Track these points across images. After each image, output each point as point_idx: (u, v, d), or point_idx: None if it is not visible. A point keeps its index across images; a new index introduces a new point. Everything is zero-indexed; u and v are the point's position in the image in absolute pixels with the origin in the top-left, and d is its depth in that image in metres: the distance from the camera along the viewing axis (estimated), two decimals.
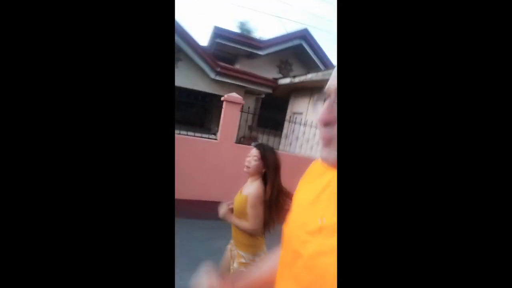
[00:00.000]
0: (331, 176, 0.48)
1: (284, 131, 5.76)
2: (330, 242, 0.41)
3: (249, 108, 4.00)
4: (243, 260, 1.42)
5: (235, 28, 8.97)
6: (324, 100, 0.43)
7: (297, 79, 5.31)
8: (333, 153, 0.40)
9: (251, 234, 1.42)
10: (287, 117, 5.74)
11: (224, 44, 6.63)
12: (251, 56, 6.91)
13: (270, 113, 6.34)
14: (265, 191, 1.41)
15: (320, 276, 0.40)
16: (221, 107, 3.53)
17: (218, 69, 5.61)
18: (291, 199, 1.05)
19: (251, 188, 1.42)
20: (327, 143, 0.40)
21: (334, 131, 0.39)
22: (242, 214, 1.43)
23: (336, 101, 0.40)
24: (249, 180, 1.51)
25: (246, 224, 1.42)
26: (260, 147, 1.49)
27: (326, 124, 0.40)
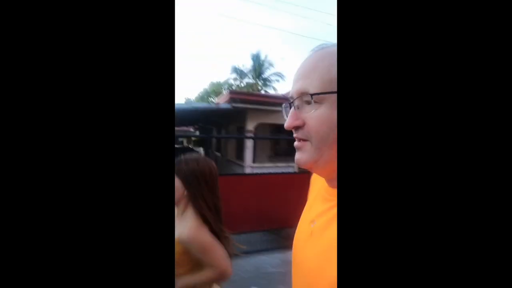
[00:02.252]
0: (322, 181, 0.51)
1: None
2: (318, 244, 0.44)
3: None
4: None
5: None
6: (290, 107, 0.46)
7: None
8: (304, 156, 0.44)
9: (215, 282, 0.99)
10: None
11: None
12: None
13: None
14: (203, 217, 0.99)
15: (312, 281, 0.42)
16: None
17: None
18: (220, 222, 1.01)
19: (184, 225, 0.97)
20: (297, 146, 0.45)
21: (303, 135, 0.44)
22: (180, 265, 0.94)
23: (300, 107, 0.44)
24: (177, 210, 1.04)
25: (209, 272, 0.96)
26: (177, 160, 1.04)
27: (292, 129, 0.44)
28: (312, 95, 0.43)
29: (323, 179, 0.50)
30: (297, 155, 0.45)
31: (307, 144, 0.44)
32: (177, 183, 1.01)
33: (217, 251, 0.97)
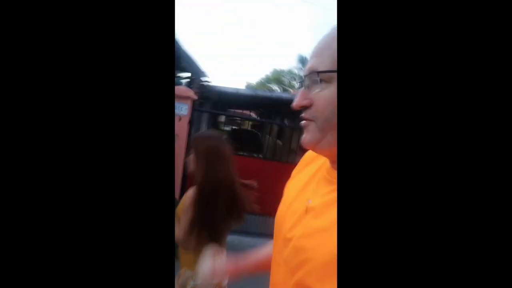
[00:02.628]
0: (322, 162, 0.50)
1: None
2: (315, 223, 0.43)
3: None
4: (193, 283, 1.06)
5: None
6: (301, 86, 0.45)
7: None
8: (307, 137, 0.43)
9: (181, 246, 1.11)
10: None
11: None
12: None
13: None
14: (200, 191, 1.07)
15: (306, 258, 0.41)
16: None
17: None
18: (249, 190, 1.15)
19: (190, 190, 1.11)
20: (303, 126, 0.44)
21: (309, 115, 0.42)
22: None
23: (310, 86, 0.43)
24: None
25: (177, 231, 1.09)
26: (195, 134, 1.16)
27: (301, 108, 0.43)
28: (318, 73, 0.41)
29: (325, 158, 0.49)
30: (303, 135, 0.44)
31: (312, 124, 0.43)
32: (192, 156, 1.12)
33: (184, 221, 1.06)
